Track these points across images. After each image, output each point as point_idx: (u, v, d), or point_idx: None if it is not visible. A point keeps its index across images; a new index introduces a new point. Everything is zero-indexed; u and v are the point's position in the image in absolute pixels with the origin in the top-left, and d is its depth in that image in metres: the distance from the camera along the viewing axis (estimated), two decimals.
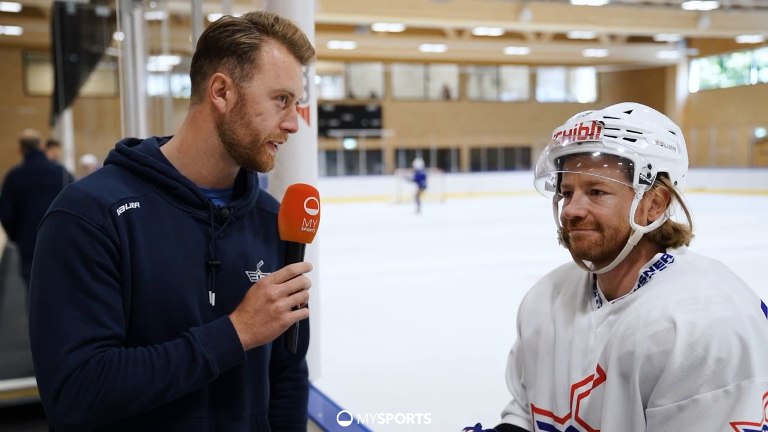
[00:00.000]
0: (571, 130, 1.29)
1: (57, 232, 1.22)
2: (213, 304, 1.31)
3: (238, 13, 1.41)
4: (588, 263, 1.33)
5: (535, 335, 1.43)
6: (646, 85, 32.01)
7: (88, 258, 1.21)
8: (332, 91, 30.78)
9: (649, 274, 1.28)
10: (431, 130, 29.87)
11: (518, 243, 12.39)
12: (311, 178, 2.44)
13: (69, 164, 12.55)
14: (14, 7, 19.42)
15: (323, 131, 28.21)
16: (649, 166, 1.25)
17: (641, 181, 1.25)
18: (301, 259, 1.31)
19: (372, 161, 29.81)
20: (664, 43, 29.51)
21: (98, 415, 1.18)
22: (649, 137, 1.26)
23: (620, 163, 1.25)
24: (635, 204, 1.26)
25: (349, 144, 29.34)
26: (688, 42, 29.65)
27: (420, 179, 19.64)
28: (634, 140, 1.25)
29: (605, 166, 1.26)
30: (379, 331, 6.40)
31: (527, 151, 31.87)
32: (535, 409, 1.41)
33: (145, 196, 1.29)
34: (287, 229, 1.29)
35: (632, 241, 1.27)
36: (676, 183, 1.29)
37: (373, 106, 29.76)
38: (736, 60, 30.01)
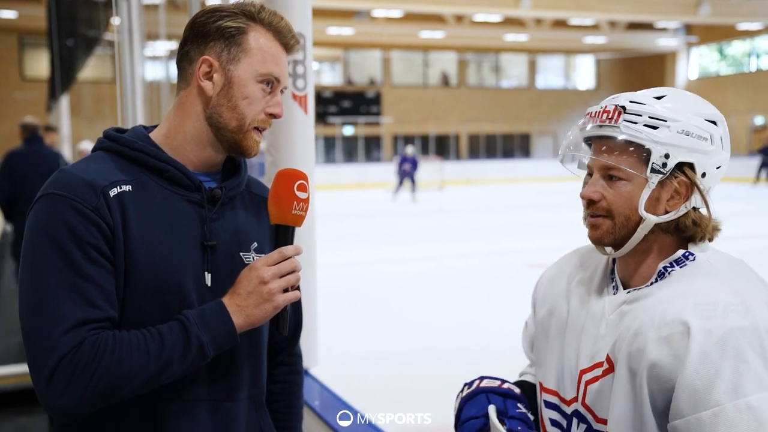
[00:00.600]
0: (596, 112, 1.28)
1: (49, 213, 1.21)
2: (209, 284, 1.31)
3: (232, 0, 1.41)
4: (606, 248, 1.33)
5: (548, 315, 1.43)
6: (645, 72, 31.92)
7: (81, 239, 1.20)
8: (331, 78, 30.66)
9: (669, 270, 1.25)
10: (430, 117, 29.80)
11: (517, 231, 12.39)
12: (308, 166, 2.43)
13: (66, 150, 12.51)
14: None
15: (322, 118, 28.13)
16: (666, 156, 1.22)
17: (654, 170, 1.23)
18: (292, 242, 1.32)
19: (371, 148, 29.76)
20: (663, 30, 29.40)
21: (92, 397, 1.17)
22: (673, 126, 1.22)
23: (637, 150, 1.23)
24: (646, 193, 1.24)
25: (348, 131, 29.28)
26: (688, 29, 29.55)
27: (413, 167, 19.07)
28: (655, 128, 1.22)
29: (623, 152, 1.24)
30: (377, 319, 6.40)
31: (526, 138, 31.83)
32: (542, 388, 1.41)
33: (136, 179, 1.29)
34: (277, 212, 1.30)
35: (642, 230, 1.25)
36: (704, 175, 1.25)
37: (372, 93, 29.67)
38: (736, 47, 29.92)
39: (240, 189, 1.41)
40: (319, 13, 23.19)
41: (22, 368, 4.65)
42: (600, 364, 1.27)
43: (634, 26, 28.56)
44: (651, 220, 1.25)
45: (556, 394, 1.37)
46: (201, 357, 1.24)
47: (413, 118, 29.67)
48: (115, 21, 4.75)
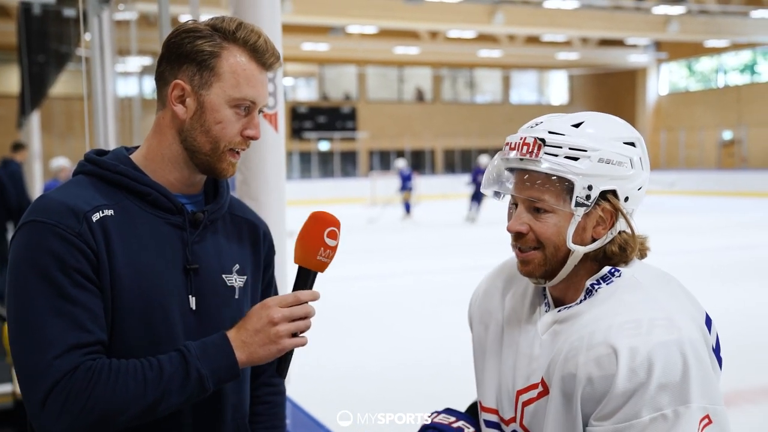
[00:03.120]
0: (516, 144, 1.26)
1: (32, 241, 1.21)
2: (194, 308, 1.31)
3: (206, 15, 1.39)
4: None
5: (484, 332, 1.43)
6: (617, 87, 32.40)
7: (66, 264, 1.19)
8: (306, 93, 30.68)
9: (596, 287, 1.26)
10: (406, 132, 29.91)
11: (494, 245, 12.41)
12: (279, 184, 2.42)
13: (37, 167, 12.33)
14: None
15: (297, 133, 28.11)
16: (589, 188, 1.21)
17: (578, 204, 1.22)
18: (310, 287, 1.29)
19: (346, 163, 29.77)
20: (634, 46, 29.91)
21: (85, 425, 1.16)
22: (593, 156, 1.21)
23: (560, 183, 1.23)
24: (572, 226, 1.24)
25: (324, 146, 29.26)
26: (658, 46, 30.09)
27: (405, 180, 18.79)
28: (576, 158, 1.21)
29: (546, 185, 1.23)
30: (360, 335, 6.38)
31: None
32: (482, 407, 1.40)
33: (118, 203, 1.28)
34: (303, 254, 1.28)
35: (572, 261, 1.25)
36: (627, 199, 1.25)
37: (348, 108, 29.72)
38: (704, 64, 30.54)
39: (222, 212, 1.40)
40: (294, 29, 23.23)
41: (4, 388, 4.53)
42: (535, 386, 1.27)
43: (605, 43, 29.02)
44: (579, 251, 1.25)
45: (495, 412, 1.37)
46: (200, 389, 1.22)
47: (389, 133, 29.76)
48: (86, 37, 4.71)
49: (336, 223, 1.32)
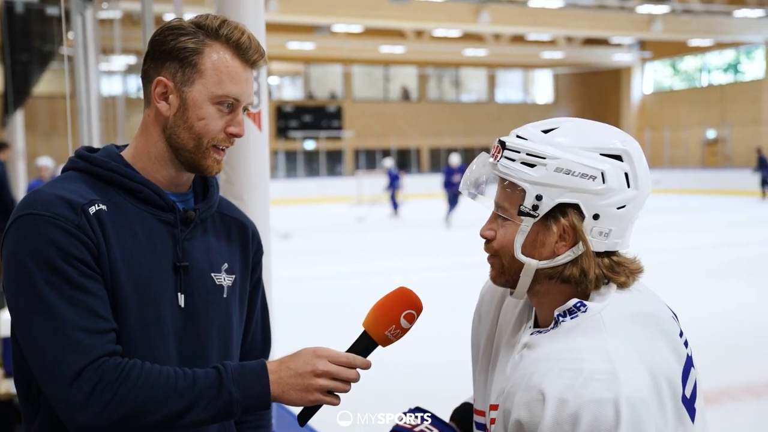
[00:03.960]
0: (492, 147, 1.22)
1: (31, 233, 1.19)
2: (182, 305, 1.31)
3: (189, 14, 1.39)
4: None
5: (482, 331, 1.39)
6: (601, 86, 32.59)
7: (69, 255, 1.18)
8: (292, 92, 30.61)
9: (561, 319, 1.16)
10: (391, 131, 29.92)
11: (479, 245, 12.46)
12: (263, 183, 2.42)
13: (21, 166, 12.24)
14: None
15: (283, 132, 28.05)
16: (538, 197, 1.13)
17: (522, 213, 1.15)
18: (365, 356, 1.28)
19: (332, 162, 29.74)
20: (618, 45, 30.10)
21: (111, 420, 1.15)
22: (550, 164, 1.12)
23: (515, 190, 1.16)
24: (520, 236, 1.17)
25: (309, 145, 29.22)
26: (642, 45, 30.30)
27: (393, 180, 18.97)
28: (532, 165, 1.14)
29: (505, 190, 1.18)
30: (343, 334, 6.35)
31: (487, 151, 32.03)
32: (474, 409, 1.38)
33: (110, 199, 1.28)
34: (374, 322, 1.27)
35: (525, 274, 1.19)
36: (597, 216, 1.13)
37: (333, 107, 29.69)
38: (688, 63, 30.79)
39: (212, 211, 1.40)
40: (279, 28, 23.16)
41: None
42: (497, 407, 1.23)
43: (590, 42, 29.17)
44: (530, 264, 1.18)
45: (483, 415, 1.33)
46: (227, 412, 1.22)
47: (374, 132, 29.76)
48: (70, 35, 4.67)
49: (419, 308, 1.29)
